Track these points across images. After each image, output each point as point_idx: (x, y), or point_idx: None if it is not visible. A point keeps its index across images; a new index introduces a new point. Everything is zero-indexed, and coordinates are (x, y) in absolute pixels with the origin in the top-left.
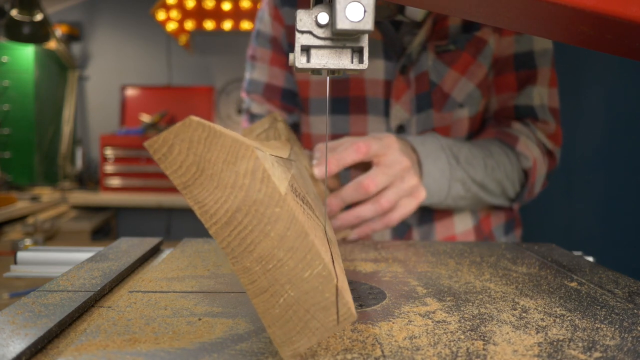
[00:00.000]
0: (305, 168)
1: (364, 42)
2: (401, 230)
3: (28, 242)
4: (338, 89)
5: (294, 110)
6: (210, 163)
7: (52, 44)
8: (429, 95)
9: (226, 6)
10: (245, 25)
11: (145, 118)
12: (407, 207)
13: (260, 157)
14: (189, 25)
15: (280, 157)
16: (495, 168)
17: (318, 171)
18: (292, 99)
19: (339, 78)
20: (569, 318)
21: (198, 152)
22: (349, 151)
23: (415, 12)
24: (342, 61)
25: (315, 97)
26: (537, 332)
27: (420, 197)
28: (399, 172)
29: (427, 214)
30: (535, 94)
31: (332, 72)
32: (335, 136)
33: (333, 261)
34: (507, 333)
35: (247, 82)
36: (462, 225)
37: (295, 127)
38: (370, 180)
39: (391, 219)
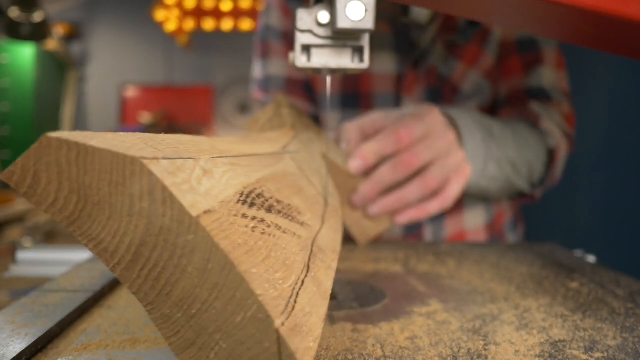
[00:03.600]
0: (324, 155)
1: (365, 42)
2: (412, 227)
3: (28, 242)
4: (348, 84)
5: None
6: (92, 188)
7: (51, 44)
8: (438, 89)
9: (225, 6)
10: (245, 24)
11: (145, 117)
12: (456, 186)
13: (160, 170)
14: (189, 25)
15: (251, 155)
16: (525, 147)
17: (355, 165)
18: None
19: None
20: (570, 318)
21: (73, 177)
22: (389, 142)
23: (419, 15)
24: (343, 60)
25: (326, 93)
26: (539, 333)
27: (467, 173)
28: (444, 145)
29: None
30: (544, 75)
31: (332, 71)
32: None
33: (300, 288)
34: (509, 333)
35: (262, 80)
36: (473, 222)
37: (316, 120)
38: (413, 155)
39: (446, 199)
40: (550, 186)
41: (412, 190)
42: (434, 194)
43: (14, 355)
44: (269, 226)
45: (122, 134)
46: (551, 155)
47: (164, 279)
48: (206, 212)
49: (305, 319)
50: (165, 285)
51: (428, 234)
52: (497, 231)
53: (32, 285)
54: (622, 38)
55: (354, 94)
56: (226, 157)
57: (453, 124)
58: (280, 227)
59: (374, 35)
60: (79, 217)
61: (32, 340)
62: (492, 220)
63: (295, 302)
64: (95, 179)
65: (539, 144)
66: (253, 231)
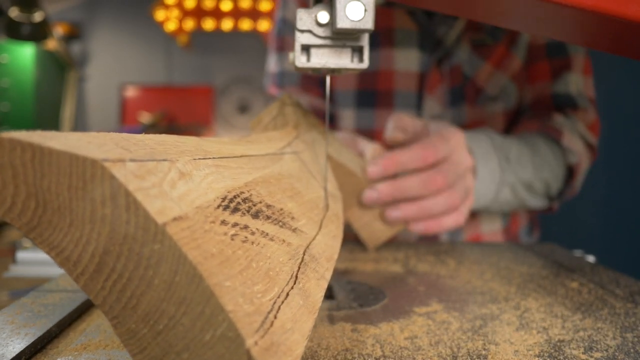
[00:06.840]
0: (330, 156)
1: (364, 42)
2: None
3: (28, 242)
4: (365, 81)
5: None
6: (51, 193)
7: (51, 44)
8: (462, 88)
9: (225, 6)
10: (245, 24)
11: (145, 117)
12: (465, 209)
13: (123, 173)
14: (189, 25)
15: (243, 156)
16: (542, 166)
17: (374, 171)
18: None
19: (367, 70)
20: (570, 318)
21: (29, 181)
22: (413, 159)
23: None
24: (342, 60)
25: (341, 89)
26: (539, 333)
27: (470, 202)
28: (463, 169)
29: None
30: (572, 81)
31: (331, 71)
32: (358, 132)
33: (284, 301)
34: (509, 333)
35: (277, 75)
36: (489, 227)
37: (331, 118)
38: (442, 177)
39: (461, 214)
40: (569, 198)
41: (438, 203)
42: (455, 210)
43: (13, 355)
44: (252, 233)
45: (92, 133)
46: (571, 170)
47: (130, 291)
48: (176, 218)
49: (285, 336)
50: (131, 298)
51: (444, 237)
52: (512, 235)
53: (32, 285)
54: (622, 38)
55: (372, 91)
56: (211, 158)
57: (470, 150)
58: (267, 235)
59: (400, 32)
60: (39, 224)
61: (32, 340)
62: (508, 225)
63: (276, 317)
64: (54, 182)
65: (558, 162)
66: (232, 239)
